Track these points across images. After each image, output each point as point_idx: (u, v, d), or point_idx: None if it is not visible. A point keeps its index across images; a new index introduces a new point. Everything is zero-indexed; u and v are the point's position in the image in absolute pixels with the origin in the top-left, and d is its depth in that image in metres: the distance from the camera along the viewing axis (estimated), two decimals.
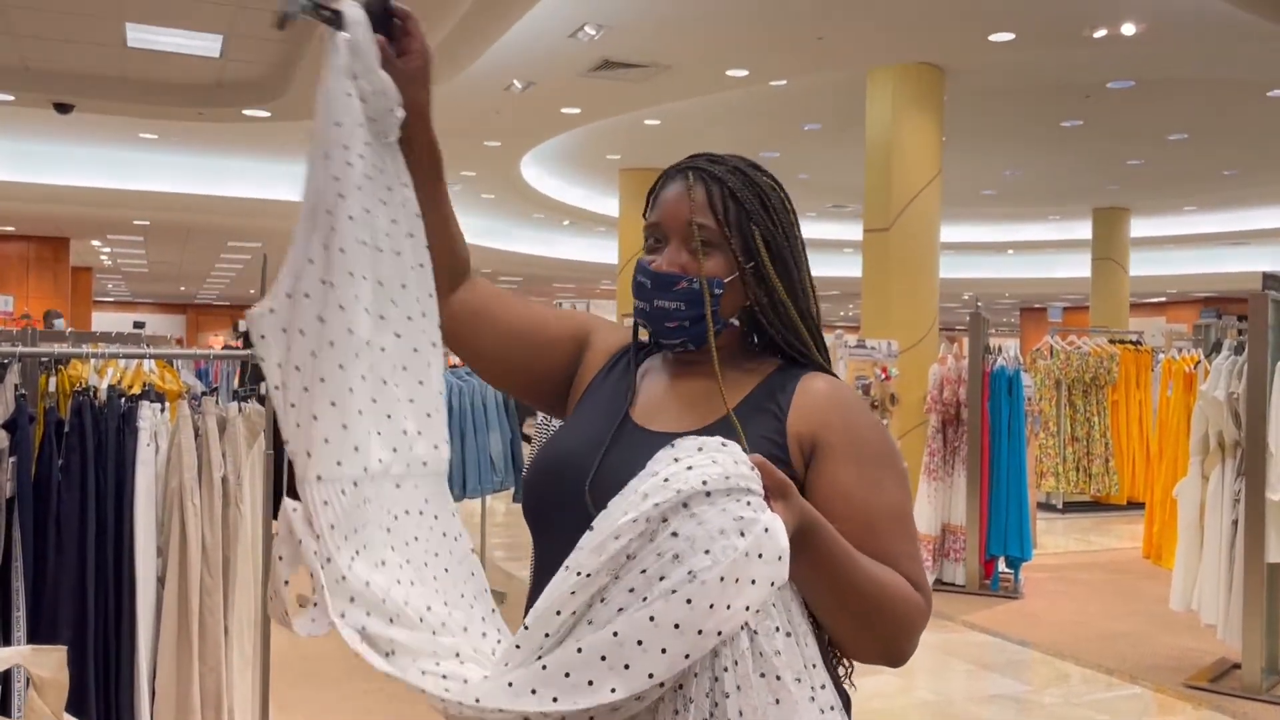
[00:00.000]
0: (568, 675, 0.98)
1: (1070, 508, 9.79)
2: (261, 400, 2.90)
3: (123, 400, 2.71)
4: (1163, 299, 24.67)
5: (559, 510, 1.23)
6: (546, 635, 1.01)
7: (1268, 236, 17.43)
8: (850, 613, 1.14)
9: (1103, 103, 9.66)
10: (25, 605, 2.50)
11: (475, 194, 14.91)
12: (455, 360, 7.39)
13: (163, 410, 2.76)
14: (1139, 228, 16.38)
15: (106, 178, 12.86)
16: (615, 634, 0.98)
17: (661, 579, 1.00)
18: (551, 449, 1.30)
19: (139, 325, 14.61)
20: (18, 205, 14.21)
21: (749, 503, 1.02)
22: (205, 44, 7.47)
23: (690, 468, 1.03)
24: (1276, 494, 4.47)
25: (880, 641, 1.17)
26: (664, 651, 0.98)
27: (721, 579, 0.99)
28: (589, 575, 1.01)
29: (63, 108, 9.00)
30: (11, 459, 2.49)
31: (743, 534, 1.01)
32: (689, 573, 0.99)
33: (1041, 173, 13.35)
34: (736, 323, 1.30)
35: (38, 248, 17.15)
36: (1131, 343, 9.24)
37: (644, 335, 1.40)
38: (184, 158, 12.65)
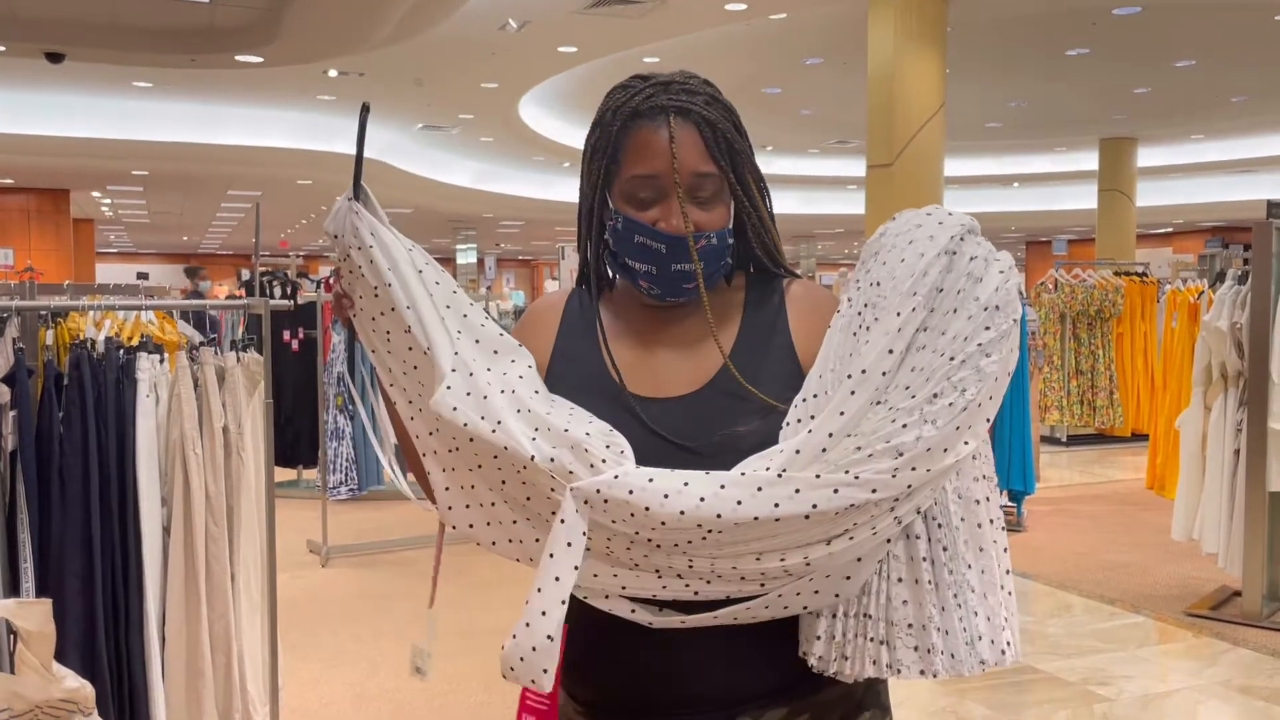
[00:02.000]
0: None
1: (1075, 441, 9.82)
2: (260, 349, 2.90)
3: (121, 352, 2.71)
4: (1169, 229, 24.48)
5: None
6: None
7: (1275, 163, 17.22)
8: None
9: (1108, 30, 9.49)
10: (33, 557, 2.53)
11: (474, 137, 14.77)
12: None
13: (162, 361, 2.76)
14: (1146, 157, 16.19)
15: (103, 128, 12.76)
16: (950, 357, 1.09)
17: (977, 298, 1.10)
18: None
19: (142, 276, 14.60)
20: (15, 158, 14.13)
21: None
22: None
23: (930, 217, 1.16)
24: (1278, 423, 4.47)
25: None
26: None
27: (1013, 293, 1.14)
28: (899, 327, 1.09)
29: (55, 57, 8.90)
30: (12, 413, 2.50)
31: (1012, 265, 1.16)
32: (997, 284, 1.12)
33: (1047, 104, 13.16)
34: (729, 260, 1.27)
35: (38, 200, 17.08)
36: (1137, 274, 9.18)
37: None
38: (180, 106, 12.53)
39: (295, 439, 7.06)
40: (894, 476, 1.06)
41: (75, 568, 2.56)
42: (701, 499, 1.05)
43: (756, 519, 1.05)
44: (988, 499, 1.14)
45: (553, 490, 1.11)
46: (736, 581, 1.10)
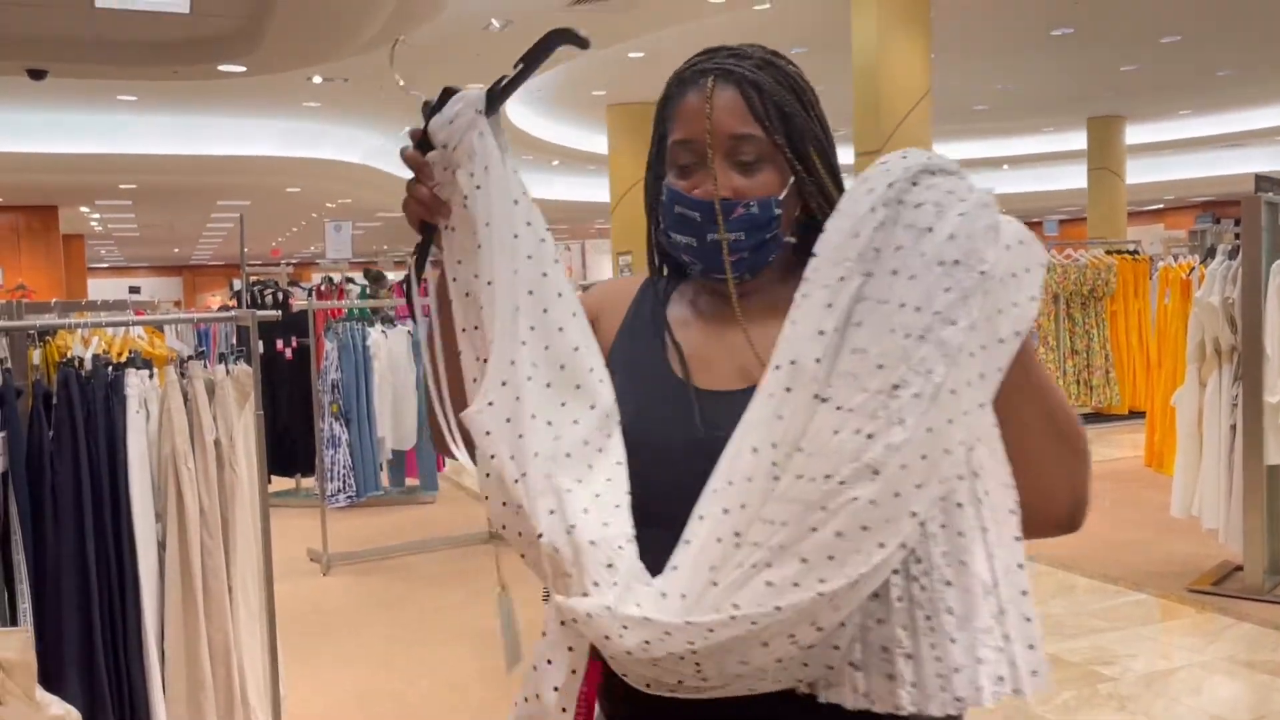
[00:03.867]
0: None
1: None
2: (249, 360, 2.89)
3: (109, 369, 2.69)
4: (1160, 205, 24.49)
5: (662, 503, 1.02)
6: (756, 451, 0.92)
7: (1265, 136, 17.24)
8: (1056, 428, 1.01)
9: (1092, 7, 9.48)
10: (28, 578, 2.51)
11: None
12: None
13: (151, 376, 2.75)
14: (1135, 134, 16.20)
15: (89, 143, 12.74)
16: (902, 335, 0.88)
17: (923, 255, 0.89)
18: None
19: (134, 290, 14.57)
20: (1, 176, 14.08)
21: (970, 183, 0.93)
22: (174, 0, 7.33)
23: (881, 165, 0.95)
24: (1274, 396, 4.47)
25: (1081, 471, 1.04)
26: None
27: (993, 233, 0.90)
28: (827, 301, 0.91)
29: (36, 74, 8.87)
30: (1, 434, 2.49)
31: (986, 204, 0.92)
32: (952, 229, 0.89)
33: (1034, 84, 13.15)
34: (793, 239, 1.14)
35: (26, 218, 17.04)
36: (1129, 252, 9.18)
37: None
38: (165, 118, 12.50)
39: (292, 448, 7.04)
40: (874, 505, 0.87)
41: (71, 587, 2.55)
42: (668, 634, 0.92)
43: (741, 636, 0.90)
44: (978, 501, 0.93)
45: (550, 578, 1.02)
46: (754, 672, 0.95)
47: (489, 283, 1.04)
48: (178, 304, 24.16)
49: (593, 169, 16.79)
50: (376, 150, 14.67)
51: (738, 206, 1.09)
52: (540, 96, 12.56)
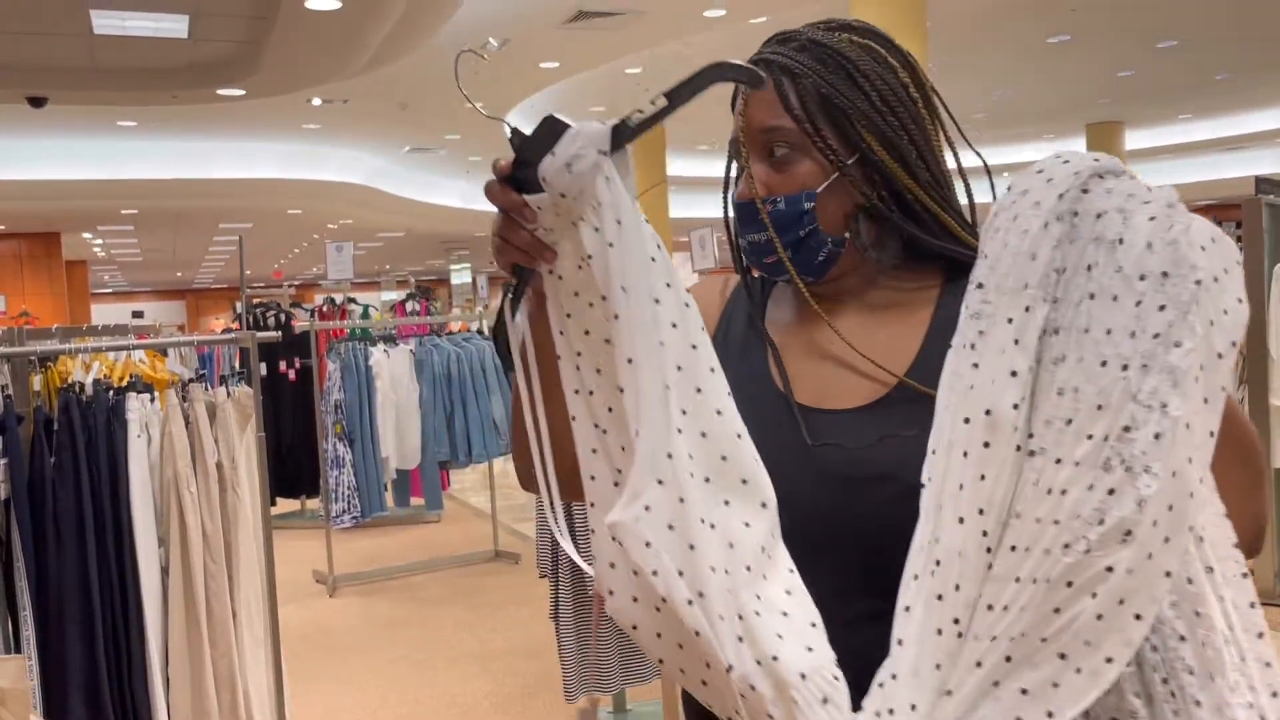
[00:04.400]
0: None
1: None
2: (250, 382, 2.88)
3: (109, 393, 2.69)
4: None
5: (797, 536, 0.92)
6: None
7: (1264, 139, 17.23)
8: (1240, 450, 0.88)
9: (1089, 14, 9.50)
10: (31, 605, 2.50)
11: (462, 158, 14.78)
12: (454, 326, 7.38)
13: (152, 400, 2.74)
14: (1134, 140, 16.21)
15: (90, 169, 12.78)
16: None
17: (1119, 270, 0.75)
18: None
19: (137, 315, 14.60)
20: (3, 203, 14.14)
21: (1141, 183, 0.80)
22: (172, 25, 7.36)
23: (1039, 174, 0.82)
24: (1279, 398, 4.45)
25: (1261, 494, 0.92)
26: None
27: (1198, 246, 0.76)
28: (1014, 338, 0.77)
29: (36, 101, 8.90)
30: (3, 460, 2.49)
31: (1173, 203, 0.79)
32: (1149, 237, 0.76)
33: (1032, 92, 13.17)
34: (862, 234, 1.03)
35: (29, 244, 17.09)
36: None
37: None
38: (166, 142, 12.54)
39: (297, 469, 7.03)
40: (1130, 574, 0.72)
41: (75, 613, 2.54)
42: None
43: None
44: (1199, 539, 0.79)
45: (737, 713, 0.85)
46: None
47: (629, 360, 0.87)
48: (181, 328, 24.22)
49: None
50: (377, 171, 14.70)
51: (767, 203, 1.02)
52: (539, 114, 12.59)
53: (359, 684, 4.37)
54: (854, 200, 1.02)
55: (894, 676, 0.81)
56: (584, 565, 0.96)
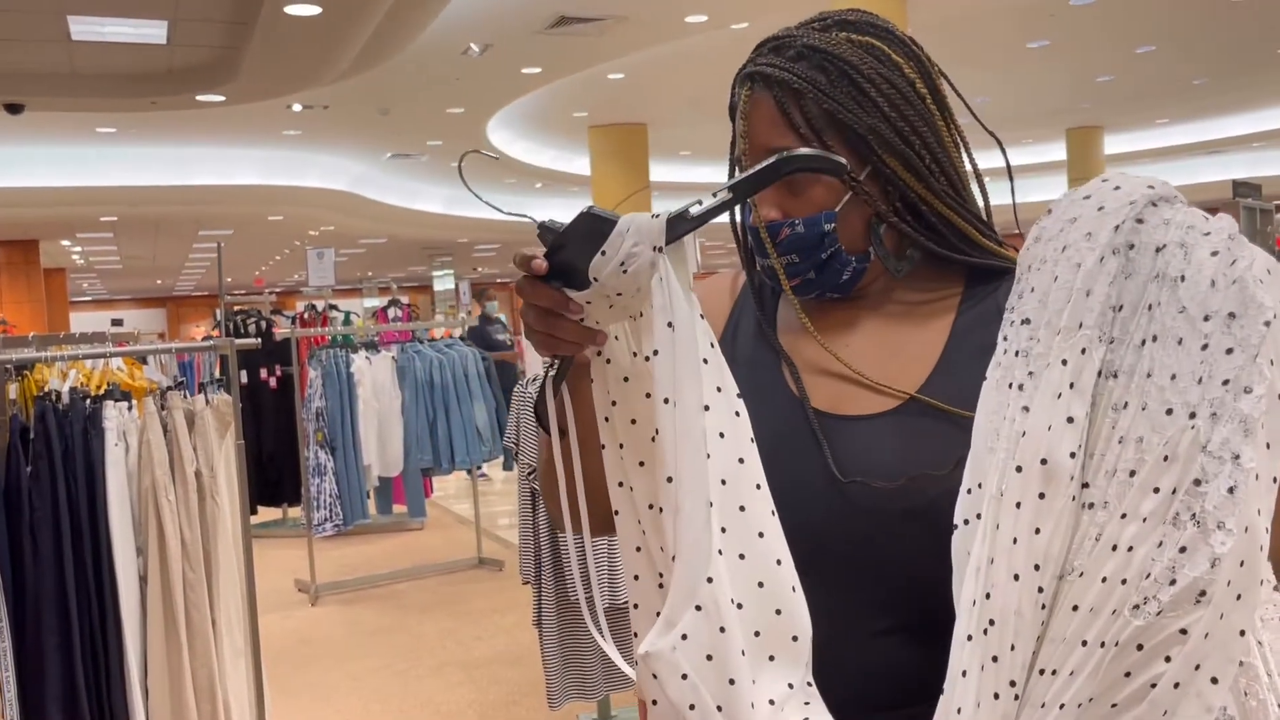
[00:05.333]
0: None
1: None
2: (229, 390, 2.86)
3: (86, 401, 2.66)
4: None
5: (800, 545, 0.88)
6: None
7: (1242, 143, 17.40)
8: None
9: (1067, 20, 9.57)
10: (8, 615, 2.47)
11: (444, 163, 14.75)
12: (437, 333, 7.35)
13: (130, 408, 2.71)
14: (1113, 144, 16.33)
15: (68, 176, 12.68)
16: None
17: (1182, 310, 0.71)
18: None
19: (117, 323, 14.49)
20: None
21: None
22: (150, 31, 7.32)
23: (1088, 200, 0.78)
24: None
25: None
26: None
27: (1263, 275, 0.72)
28: (1070, 381, 0.73)
29: (14, 108, 8.83)
30: None
31: (1234, 235, 0.74)
32: (1213, 274, 0.72)
33: (1012, 97, 13.25)
34: (883, 245, 1.00)
35: (6, 252, 16.94)
36: None
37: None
38: (145, 149, 12.47)
39: (279, 477, 6.98)
40: (1206, 639, 0.69)
41: (52, 624, 2.51)
42: None
43: None
44: (1259, 645, 0.77)
45: None
46: None
47: (669, 480, 0.82)
48: (161, 335, 24.07)
49: (576, 190, 16.81)
50: (359, 177, 14.65)
51: (783, 228, 0.98)
52: (521, 121, 12.58)
53: (341, 693, 4.34)
54: (870, 212, 0.99)
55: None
56: (627, 669, 0.89)
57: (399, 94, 10.20)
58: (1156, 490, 0.70)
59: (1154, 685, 0.69)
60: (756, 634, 0.80)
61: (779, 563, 0.82)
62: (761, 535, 0.82)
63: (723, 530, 0.81)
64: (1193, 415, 0.70)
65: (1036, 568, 0.73)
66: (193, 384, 6.21)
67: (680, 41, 9.10)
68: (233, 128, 11.28)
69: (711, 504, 0.80)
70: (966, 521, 0.79)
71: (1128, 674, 0.70)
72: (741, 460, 0.83)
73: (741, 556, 0.81)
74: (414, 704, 4.14)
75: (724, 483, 0.81)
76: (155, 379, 3.01)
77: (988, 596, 0.75)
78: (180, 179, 13.23)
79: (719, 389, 0.83)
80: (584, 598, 0.95)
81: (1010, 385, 0.78)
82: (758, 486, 0.83)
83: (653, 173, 12.53)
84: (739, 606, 0.80)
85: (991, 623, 0.75)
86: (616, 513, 0.89)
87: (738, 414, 0.84)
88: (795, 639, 0.81)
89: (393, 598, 5.82)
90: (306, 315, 7.47)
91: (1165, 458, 0.71)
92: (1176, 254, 0.74)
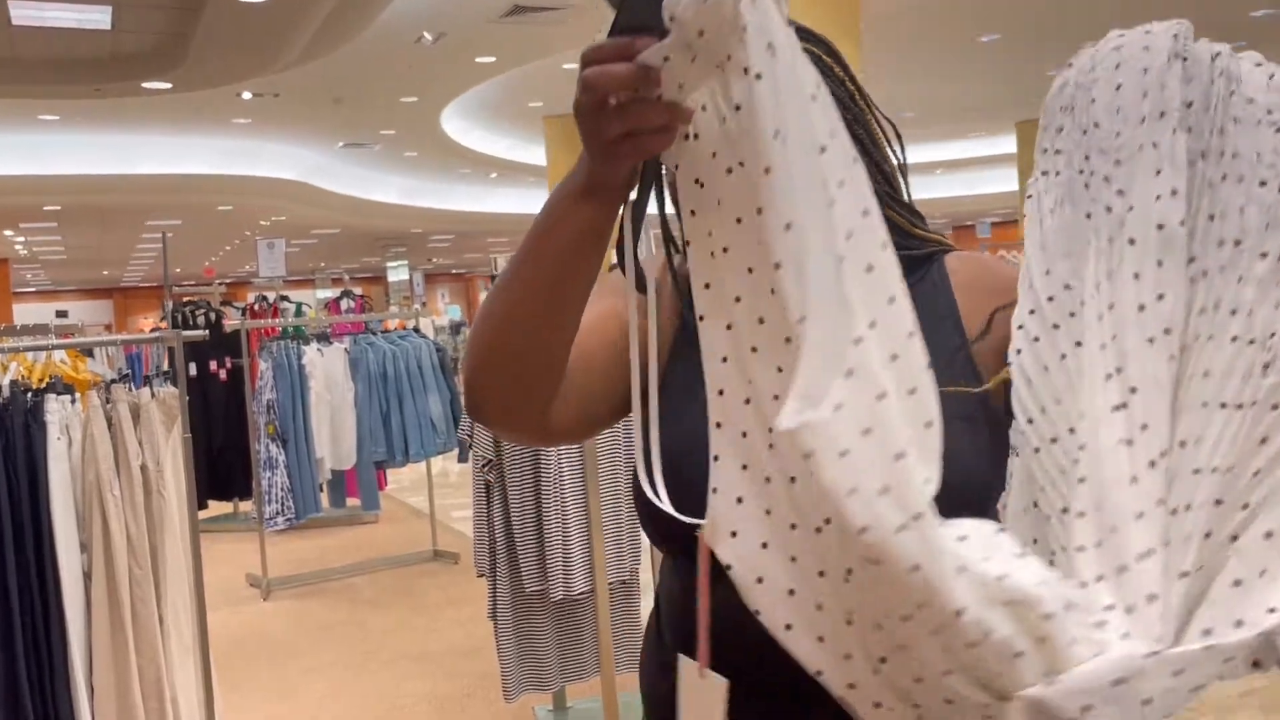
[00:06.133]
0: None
1: None
2: (175, 382, 2.81)
3: (27, 395, 2.60)
4: None
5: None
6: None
7: None
8: None
9: (1019, 14, 9.69)
10: None
11: (398, 153, 14.61)
12: (391, 324, 7.28)
13: (73, 402, 2.66)
14: None
15: (10, 164, 12.38)
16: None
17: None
18: (667, 452, 0.86)
19: (61, 314, 14.18)
20: None
21: None
22: (94, 16, 7.17)
23: (1125, 35, 0.84)
24: None
25: None
26: None
27: None
28: (1156, 167, 0.75)
29: None
30: None
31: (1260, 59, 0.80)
32: (1269, 77, 0.78)
33: (963, 90, 13.40)
34: None
35: None
36: None
37: None
38: (90, 137, 12.21)
39: (229, 471, 6.89)
40: None
41: None
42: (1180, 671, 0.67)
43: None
44: None
45: (919, 681, 0.69)
46: None
47: (787, 226, 0.67)
48: (108, 327, 23.60)
49: (532, 180, 16.73)
50: (312, 168, 14.46)
51: None
52: (476, 110, 12.49)
53: (294, 689, 4.29)
54: None
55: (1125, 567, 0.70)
56: (672, 511, 0.78)
57: (352, 82, 10.08)
58: (1264, 255, 0.73)
59: None
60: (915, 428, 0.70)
61: (910, 335, 0.70)
62: (892, 301, 0.70)
63: (859, 297, 0.69)
64: None
65: (1167, 331, 0.73)
66: (139, 377, 6.10)
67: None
68: (180, 116, 11.09)
69: (843, 258, 0.68)
70: (1030, 420, 0.79)
71: (1264, 440, 0.70)
72: (866, 213, 0.71)
73: (872, 325, 0.69)
74: (368, 698, 4.11)
75: (849, 237, 0.69)
76: (100, 372, 2.95)
77: (1119, 370, 0.74)
78: (126, 168, 12.98)
79: (832, 133, 0.71)
80: (647, 478, 0.83)
81: (1086, 185, 0.80)
82: (883, 246, 0.71)
83: None
84: (896, 380, 0.69)
85: (1133, 390, 0.73)
86: (701, 318, 0.76)
87: (855, 159, 0.72)
88: (929, 425, 0.69)
89: (346, 592, 5.77)
90: (257, 306, 7.36)
91: (1267, 225, 0.74)
92: (1228, 61, 0.79)
